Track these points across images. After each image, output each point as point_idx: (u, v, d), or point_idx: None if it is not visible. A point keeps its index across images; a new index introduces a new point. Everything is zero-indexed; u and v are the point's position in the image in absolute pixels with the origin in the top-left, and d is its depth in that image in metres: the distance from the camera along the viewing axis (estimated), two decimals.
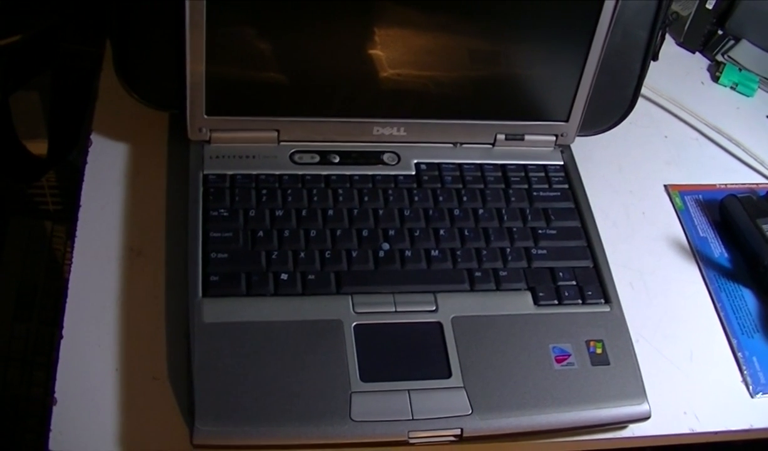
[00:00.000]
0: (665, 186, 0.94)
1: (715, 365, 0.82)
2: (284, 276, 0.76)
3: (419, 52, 0.81)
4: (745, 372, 0.81)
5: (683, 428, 0.78)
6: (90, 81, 0.91)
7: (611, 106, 0.90)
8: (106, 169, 0.84)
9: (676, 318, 0.84)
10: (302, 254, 0.77)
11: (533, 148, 0.88)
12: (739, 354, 0.83)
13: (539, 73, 0.84)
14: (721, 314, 0.85)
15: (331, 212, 0.80)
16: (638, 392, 0.75)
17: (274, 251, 0.77)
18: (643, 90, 0.98)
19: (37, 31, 1.11)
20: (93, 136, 0.87)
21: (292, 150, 0.84)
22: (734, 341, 0.83)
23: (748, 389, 0.81)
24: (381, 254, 0.79)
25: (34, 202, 1.31)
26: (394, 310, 0.76)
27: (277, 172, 0.82)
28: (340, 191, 0.82)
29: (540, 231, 0.83)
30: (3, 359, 1.23)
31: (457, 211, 0.82)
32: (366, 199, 0.82)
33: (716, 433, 0.78)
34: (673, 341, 0.83)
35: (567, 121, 0.87)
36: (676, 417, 0.78)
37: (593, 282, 0.80)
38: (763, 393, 0.81)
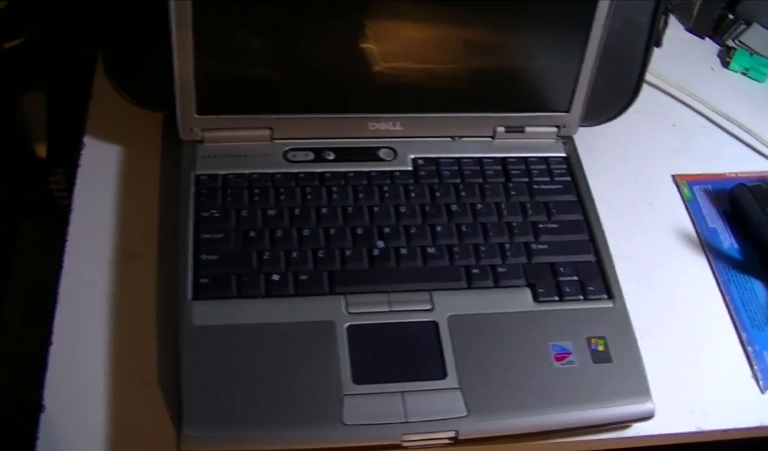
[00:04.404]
0: (673, 176, 0.92)
1: (724, 360, 0.79)
2: (276, 277, 0.74)
3: (413, 45, 0.79)
4: (755, 367, 0.79)
5: (690, 427, 0.75)
6: (88, 83, 0.90)
7: (614, 96, 0.87)
8: (100, 172, 0.83)
9: (683, 312, 0.82)
10: (295, 254, 0.76)
11: (535, 140, 0.86)
12: (749, 348, 0.80)
13: (538, 64, 0.82)
14: (731, 307, 0.82)
15: (324, 211, 0.79)
16: (642, 390, 0.72)
17: (266, 251, 0.75)
18: (650, 77, 0.95)
19: (41, 33, 1.11)
20: (86, 138, 0.86)
21: (286, 148, 0.82)
22: (744, 335, 0.81)
23: (758, 384, 0.78)
24: (376, 252, 0.77)
25: (46, 205, 1.31)
26: (388, 310, 0.74)
27: (271, 171, 0.81)
28: (335, 189, 0.80)
29: (541, 225, 0.80)
30: (13, 364, 1.23)
31: (454, 207, 0.80)
32: (361, 196, 0.80)
33: (725, 431, 0.76)
34: (679, 336, 0.80)
35: (568, 111, 0.84)
36: (683, 415, 0.75)
37: (595, 277, 0.78)
38: None
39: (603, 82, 0.84)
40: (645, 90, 0.92)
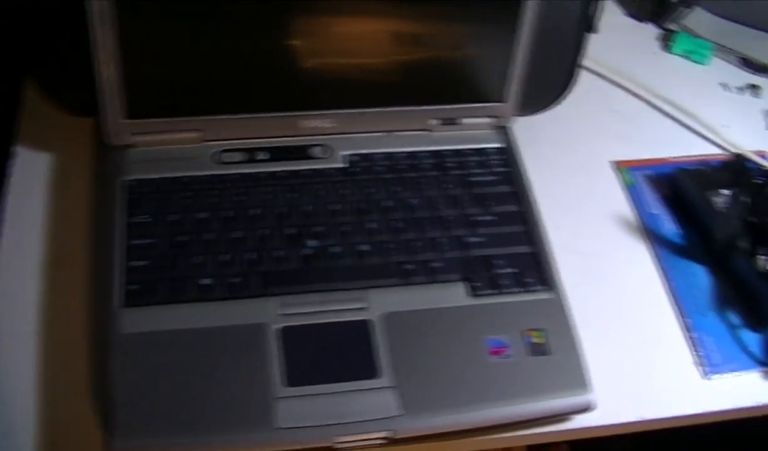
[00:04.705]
0: (613, 162, 0.90)
1: (666, 347, 0.79)
2: (207, 281, 0.73)
3: (342, 40, 0.78)
4: (698, 353, 0.78)
5: (631, 416, 0.74)
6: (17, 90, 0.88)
7: (550, 84, 0.86)
8: (31, 181, 0.82)
9: (624, 301, 0.81)
10: (227, 257, 0.74)
11: (471, 131, 0.85)
12: (693, 335, 0.79)
13: (470, 54, 0.81)
14: (673, 294, 0.82)
15: (256, 212, 0.77)
16: (581, 381, 0.71)
17: (197, 255, 0.74)
18: (591, 64, 0.95)
19: None
20: (18, 147, 0.84)
21: (218, 150, 0.81)
22: (687, 321, 0.80)
23: (701, 370, 0.77)
24: (309, 252, 0.76)
25: None
26: (322, 310, 0.73)
27: (202, 174, 0.80)
28: (267, 190, 0.79)
29: (476, 218, 0.79)
30: None
31: (389, 203, 0.79)
32: (293, 196, 0.79)
33: (667, 419, 0.75)
34: (621, 325, 0.79)
35: (503, 101, 0.83)
36: (624, 405, 0.75)
37: (533, 268, 0.77)
38: (718, 374, 0.77)
39: (538, 71, 0.83)
40: (586, 77, 0.91)
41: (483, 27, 0.80)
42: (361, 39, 0.79)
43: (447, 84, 0.82)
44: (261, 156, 0.81)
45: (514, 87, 0.82)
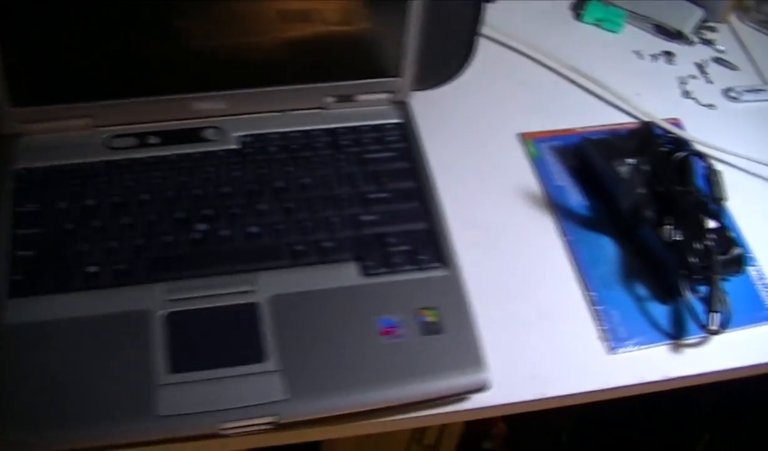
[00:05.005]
0: (519, 135, 0.89)
1: (570, 322, 0.77)
2: (93, 269, 0.72)
3: (229, 19, 0.77)
4: (603, 327, 0.77)
5: (532, 394, 0.73)
6: None
7: (449, 56, 0.85)
8: None
9: (527, 276, 0.79)
10: (114, 244, 0.73)
11: (368, 108, 0.83)
12: (598, 308, 0.77)
13: (361, 29, 0.79)
14: (578, 267, 0.80)
15: (146, 197, 0.76)
16: (475, 360, 0.70)
17: (83, 243, 0.73)
18: (498, 35, 0.93)
19: None
20: None
21: (109, 135, 0.80)
22: (592, 295, 0.78)
23: (606, 345, 0.75)
24: (198, 236, 0.74)
25: None
26: (209, 294, 0.71)
27: (92, 161, 0.78)
28: (157, 174, 0.77)
29: (370, 196, 0.78)
30: None
31: (281, 184, 0.78)
32: (183, 179, 0.77)
33: (569, 396, 0.74)
34: (523, 301, 0.78)
35: (399, 76, 0.82)
36: (524, 383, 0.73)
37: (429, 245, 0.76)
38: (623, 348, 0.75)
39: (434, 44, 0.81)
40: (493, 48, 0.90)
41: (373, 0, 0.78)
42: (249, 17, 0.77)
43: (340, 60, 0.81)
44: (153, 140, 0.80)
45: (409, 61, 0.80)
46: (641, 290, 0.79)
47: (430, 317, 0.72)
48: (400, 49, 0.80)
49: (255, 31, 0.78)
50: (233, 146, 0.80)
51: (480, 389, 0.70)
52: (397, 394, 0.69)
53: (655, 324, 0.77)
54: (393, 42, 0.79)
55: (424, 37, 0.79)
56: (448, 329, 0.71)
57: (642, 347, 0.76)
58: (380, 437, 1.14)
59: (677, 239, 0.78)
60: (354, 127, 0.82)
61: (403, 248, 0.75)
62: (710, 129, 0.92)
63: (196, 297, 0.71)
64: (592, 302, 0.78)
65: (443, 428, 1.20)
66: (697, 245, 0.77)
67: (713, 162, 0.84)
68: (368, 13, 0.78)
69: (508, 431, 1.29)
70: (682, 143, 0.83)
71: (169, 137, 0.80)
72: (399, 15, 0.78)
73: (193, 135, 0.81)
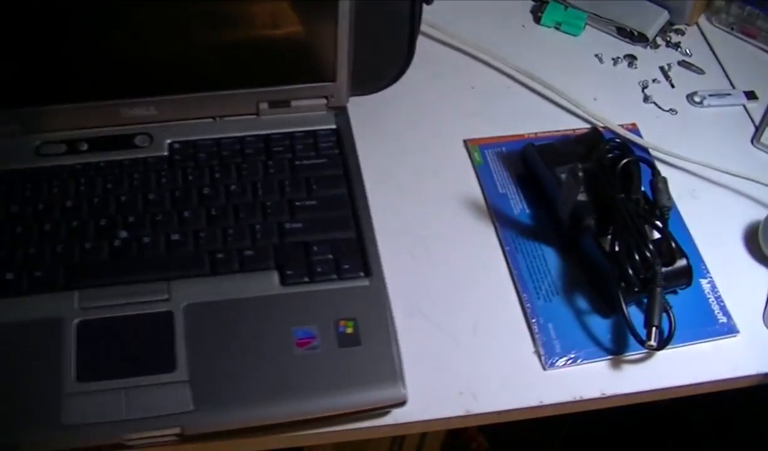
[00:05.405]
0: (464, 141, 0.86)
1: (504, 336, 0.74)
2: (10, 275, 0.71)
3: (159, 23, 0.75)
4: (538, 342, 0.73)
5: (458, 410, 0.70)
6: None
7: (387, 60, 0.82)
8: None
9: (462, 287, 0.76)
10: (33, 251, 0.72)
11: (303, 113, 0.81)
12: (533, 321, 0.74)
13: (293, 32, 0.77)
14: (516, 278, 0.77)
15: (69, 204, 0.75)
16: (392, 374, 0.68)
17: (2, 250, 0.72)
18: (450, 39, 0.91)
19: None
20: None
21: (38, 142, 0.79)
22: (528, 307, 0.75)
23: (540, 360, 0.72)
24: (117, 243, 0.73)
25: None
26: (124, 302, 0.70)
27: (20, 167, 0.78)
28: (82, 181, 0.77)
29: (297, 203, 0.76)
30: None
31: (206, 190, 0.76)
32: (109, 186, 0.76)
33: (497, 413, 0.71)
34: (456, 312, 0.75)
35: (334, 80, 0.79)
36: (451, 398, 0.70)
37: (353, 255, 0.74)
38: (559, 363, 0.72)
39: (370, 46, 0.79)
40: (446, 52, 0.88)
41: (303, 2, 0.76)
42: (178, 22, 0.75)
43: (273, 65, 0.79)
44: (82, 147, 0.79)
45: (343, 65, 0.78)
46: (582, 303, 0.76)
47: (348, 329, 0.70)
48: (334, 52, 0.77)
49: (184, 36, 0.76)
50: (163, 153, 0.79)
51: (397, 404, 0.68)
52: (308, 407, 0.67)
53: (594, 339, 0.74)
54: (326, 45, 0.77)
55: (359, 40, 0.77)
56: (366, 341, 0.69)
57: (579, 362, 0.73)
58: (360, 443, 1.12)
59: (618, 249, 0.74)
60: (288, 134, 0.80)
61: (327, 256, 0.73)
62: (669, 135, 0.88)
63: (110, 305, 0.70)
64: (528, 315, 0.75)
65: (422, 441, 1.18)
66: (637, 256, 0.73)
67: (662, 168, 0.80)
68: (298, 15, 0.76)
69: (490, 446, 1.26)
70: (627, 149, 0.79)
71: (99, 144, 0.79)
72: (329, 17, 0.76)
73: (123, 142, 0.79)
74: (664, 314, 0.73)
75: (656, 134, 0.88)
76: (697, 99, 0.92)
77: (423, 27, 0.82)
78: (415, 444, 1.18)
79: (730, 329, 0.75)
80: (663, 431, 1.22)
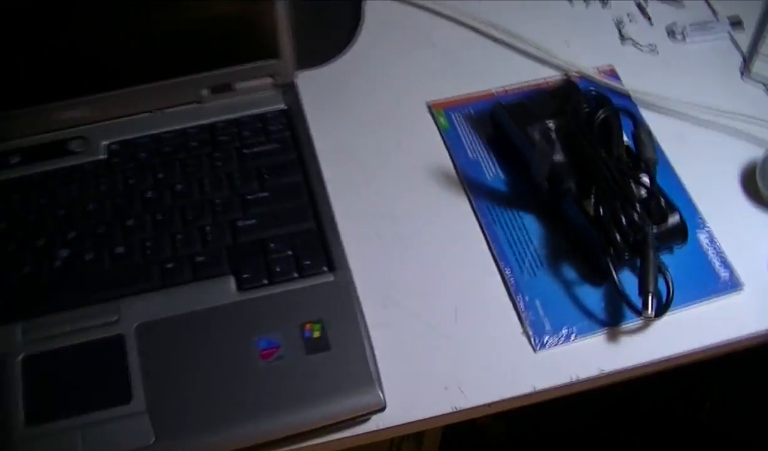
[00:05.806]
0: (428, 104, 0.79)
1: (488, 319, 0.68)
2: None
3: (81, 15, 0.68)
4: (525, 321, 0.67)
5: (444, 407, 0.64)
6: None
7: (333, 27, 0.75)
8: None
9: (437, 269, 0.70)
10: None
11: (249, 96, 0.75)
12: (518, 299, 0.68)
13: (227, 9, 0.71)
14: (495, 253, 0.71)
15: (2, 226, 0.69)
16: (367, 378, 0.62)
17: None
18: None
19: None
20: None
21: None
22: (511, 284, 0.69)
23: (530, 341, 0.66)
24: (58, 264, 0.67)
25: None
26: (70, 330, 0.64)
27: None
28: (16, 198, 0.70)
29: (249, 197, 0.70)
30: None
31: (150, 194, 0.70)
32: (45, 201, 0.70)
33: (488, 405, 0.65)
34: (433, 298, 0.69)
35: (278, 57, 0.73)
36: (435, 395, 0.65)
37: (314, 248, 0.68)
38: (550, 343, 0.66)
39: (315, 14, 0.72)
40: (398, 9, 0.81)
41: None
42: (105, 10, 0.68)
43: (211, 47, 0.73)
44: (12, 160, 0.73)
45: (285, 38, 0.72)
46: (570, 273, 0.70)
47: (315, 332, 0.64)
48: (273, 25, 0.70)
49: (113, 25, 0.69)
50: (100, 156, 0.73)
51: (375, 409, 0.62)
52: (278, 425, 0.62)
53: (586, 312, 0.68)
54: (264, 18, 0.71)
55: (300, 8, 0.70)
56: (335, 343, 0.64)
57: (572, 339, 0.67)
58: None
59: (602, 213, 0.68)
60: (234, 120, 0.74)
61: (286, 253, 0.67)
62: (650, 75, 0.82)
63: (56, 335, 0.65)
64: (513, 293, 0.69)
65: (421, 434, 1.13)
66: (624, 219, 0.67)
67: (646, 113, 0.74)
68: None
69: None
70: (604, 100, 0.72)
71: (31, 154, 0.73)
72: None
73: (57, 149, 0.73)
74: (660, 278, 0.66)
75: (636, 76, 0.81)
76: (678, 33, 0.85)
77: None
78: (414, 439, 1.13)
79: (733, 285, 0.70)
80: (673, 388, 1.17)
